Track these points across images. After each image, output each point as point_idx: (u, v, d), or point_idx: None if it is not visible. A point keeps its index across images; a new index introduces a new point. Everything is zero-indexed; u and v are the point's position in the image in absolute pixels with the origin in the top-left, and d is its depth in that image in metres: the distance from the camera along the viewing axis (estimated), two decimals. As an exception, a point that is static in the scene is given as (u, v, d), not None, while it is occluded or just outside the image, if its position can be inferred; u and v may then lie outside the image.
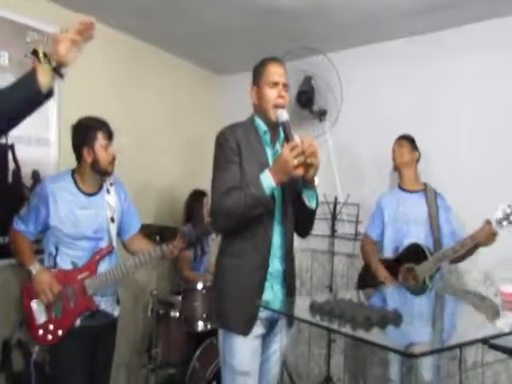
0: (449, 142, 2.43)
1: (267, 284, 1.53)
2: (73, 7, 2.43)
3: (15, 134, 2.22)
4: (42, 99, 1.26)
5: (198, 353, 2.34)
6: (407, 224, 2.17)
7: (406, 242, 2.14)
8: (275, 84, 1.53)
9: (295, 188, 1.55)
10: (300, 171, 1.39)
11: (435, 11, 2.26)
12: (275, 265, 1.55)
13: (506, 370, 2.19)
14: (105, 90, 2.64)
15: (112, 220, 1.93)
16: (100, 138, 1.83)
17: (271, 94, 1.53)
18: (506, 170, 2.24)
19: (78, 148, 1.86)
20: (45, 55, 2.34)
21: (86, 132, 1.83)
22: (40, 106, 1.29)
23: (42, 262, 1.88)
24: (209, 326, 2.31)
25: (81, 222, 1.84)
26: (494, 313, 1.20)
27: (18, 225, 1.87)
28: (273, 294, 1.54)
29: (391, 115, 2.62)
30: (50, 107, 2.38)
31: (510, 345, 1.20)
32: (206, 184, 3.08)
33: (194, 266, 2.84)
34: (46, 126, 2.38)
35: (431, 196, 2.17)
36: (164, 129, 3.04)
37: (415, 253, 2.09)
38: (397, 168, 2.31)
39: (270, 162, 1.52)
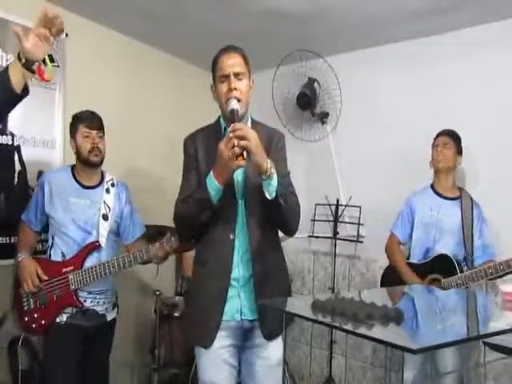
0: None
1: (233, 292, 1.43)
2: (78, 11, 2.46)
3: (21, 136, 2.26)
4: (16, 97, 1.23)
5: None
6: (439, 231, 2.05)
7: (437, 249, 2.05)
8: (225, 77, 1.43)
9: (259, 184, 1.40)
10: (240, 162, 1.28)
11: (436, 14, 2.28)
12: (242, 270, 1.43)
13: (508, 370, 2.19)
14: (109, 92, 2.67)
15: (105, 218, 1.92)
16: (81, 128, 1.88)
17: (222, 88, 1.44)
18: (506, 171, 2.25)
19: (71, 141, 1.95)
20: (50, 58, 2.37)
21: (72, 125, 1.94)
22: (17, 103, 1.26)
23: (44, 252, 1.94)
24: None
25: (72, 209, 1.87)
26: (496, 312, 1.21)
27: (23, 214, 1.95)
28: (240, 302, 1.43)
29: (393, 118, 2.64)
30: (55, 110, 2.41)
31: (505, 344, 1.21)
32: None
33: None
34: (51, 127, 2.41)
35: (467, 204, 2.05)
36: (168, 130, 3.06)
37: (444, 264, 1.99)
38: (436, 171, 2.13)
39: None
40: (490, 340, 1.34)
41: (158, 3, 2.33)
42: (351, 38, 2.64)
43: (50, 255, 1.90)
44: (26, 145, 2.28)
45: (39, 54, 1.19)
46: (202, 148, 1.50)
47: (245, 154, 1.29)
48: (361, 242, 2.61)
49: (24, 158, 2.28)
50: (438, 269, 2.02)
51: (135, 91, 2.84)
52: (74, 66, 2.46)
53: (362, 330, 0.82)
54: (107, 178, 2.00)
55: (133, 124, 2.81)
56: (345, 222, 2.70)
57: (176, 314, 2.46)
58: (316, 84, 2.81)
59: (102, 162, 1.94)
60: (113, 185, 1.99)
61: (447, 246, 2.04)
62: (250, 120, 1.56)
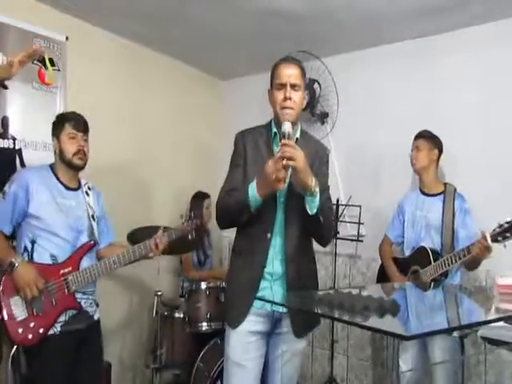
0: (450, 143, 2.45)
1: (266, 284, 1.55)
2: (78, 15, 2.50)
3: (22, 139, 2.28)
4: None
5: (202, 353, 2.36)
6: (425, 228, 2.15)
7: (424, 244, 2.12)
8: (282, 85, 1.53)
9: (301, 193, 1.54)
10: (280, 185, 1.39)
11: (437, 13, 2.29)
12: (276, 267, 1.55)
13: (509, 368, 2.19)
14: (109, 95, 2.69)
15: (93, 218, 1.88)
16: (67, 128, 1.80)
17: (278, 96, 1.54)
18: (507, 171, 2.26)
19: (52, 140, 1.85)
20: (51, 61, 2.41)
21: (55, 123, 1.85)
22: None
23: None
24: (213, 327, 2.34)
25: (62, 209, 1.78)
26: (490, 304, 1.23)
27: None
28: (272, 293, 1.55)
29: (393, 117, 2.65)
30: (56, 113, 2.43)
31: (504, 339, 1.22)
32: (209, 186, 3.14)
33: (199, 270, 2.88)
34: (50, 131, 2.43)
35: (449, 199, 2.13)
36: (168, 133, 3.09)
37: (422, 256, 2.09)
38: (415, 171, 2.27)
39: None
40: (487, 335, 1.35)
41: (157, 5, 2.36)
42: (352, 37, 2.66)
43: (33, 259, 1.73)
44: (27, 148, 2.31)
45: (15, 74, 1.47)
46: (250, 147, 1.60)
47: (288, 175, 1.41)
48: (361, 241, 2.62)
49: (25, 161, 2.30)
50: (417, 261, 2.12)
51: (135, 93, 2.87)
52: (74, 70, 2.49)
53: (358, 321, 0.83)
54: (83, 181, 1.95)
55: (133, 126, 2.84)
56: (345, 222, 2.71)
57: (177, 315, 2.47)
58: (316, 85, 2.83)
59: (85, 165, 1.87)
60: (89, 188, 1.95)
61: (432, 240, 2.13)
62: (299, 130, 1.64)
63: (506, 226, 1.74)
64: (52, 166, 1.85)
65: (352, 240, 2.65)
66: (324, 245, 1.69)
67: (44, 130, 2.39)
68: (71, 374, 1.76)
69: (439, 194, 2.18)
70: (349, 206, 2.69)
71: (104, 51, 2.69)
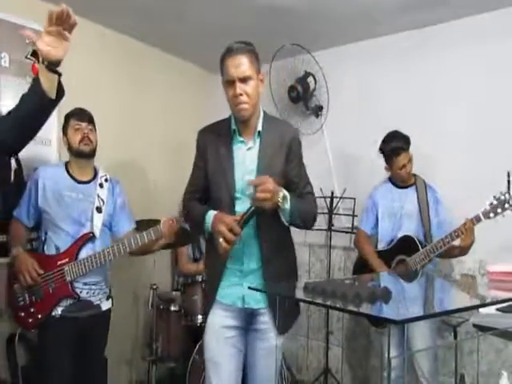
0: (444, 136, 2.47)
1: (236, 281, 1.51)
2: (74, 10, 2.46)
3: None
4: (51, 102, 1.22)
5: (198, 346, 2.37)
6: (401, 218, 2.22)
7: (400, 235, 2.20)
8: (230, 82, 1.45)
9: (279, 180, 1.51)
10: (224, 250, 1.40)
11: (431, 4, 2.29)
12: (245, 263, 1.51)
13: (501, 357, 2.23)
14: (104, 90, 2.68)
15: (99, 210, 1.95)
16: (71, 122, 1.95)
17: (229, 93, 1.47)
18: (501, 163, 2.26)
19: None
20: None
21: (63, 124, 2.00)
22: (53, 108, 1.26)
23: (35, 250, 1.95)
24: (209, 320, 2.36)
25: (66, 202, 1.90)
26: (480, 291, 1.25)
27: (15, 210, 1.96)
28: (242, 290, 1.50)
29: (387, 110, 2.66)
30: (49, 107, 2.43)
31: (496, 326, 1.25)
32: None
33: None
34: (47, 125, 2.33)
35: (421, 190, 2.22)
36: (163, 128, 3.08)
37: (407, 245, 2.15)
38: (401, 180, 2.27)
39: (235, 161, 1.52)
40: (479, 322, 1.38)
41: (153, 1, 2.34)
42: (347, 30, 2.66)
43: (44, 250, 1.91)
44: (21, 143, 2.30)
45: (58, 52, 1.17)
46: (211, 145, 1.56)
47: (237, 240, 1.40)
48: (355, 233, 2.64)
49: (20, 156, 2.29)
50: (402, 251, 2.17)
51: (131, 89, 2.86)
52: (68, 64, 2.46)
53: (351, 308, 0.85)
54: (101, 173, 2.04)
55: (129, 121, 2.83)
56: (339, 214, 2.73)
57: (173, 308, 2.48)
58: (311, 78, 2.83)
59: (93, 152, 1.97)
60: (106, 180, 2.03)
61: (408, 230, 2.19)
62: (261, 115, 1.57)
63: (495, 202, 1.85)
64: (66, 163, 2.00)
65: (347, 232, 2.67)
66: (307, 229, 1.64)
67: (38, 124, 2.40)
68: (76, 361, 1.85)
69: (411, 185, 2.26)
70: (343, 198, 2.71)
71: (98, 46, 2.68)
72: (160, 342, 2.44)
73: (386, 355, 2.12)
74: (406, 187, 2.27)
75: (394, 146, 2.19)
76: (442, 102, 2.49)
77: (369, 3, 2.31)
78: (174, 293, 2.69)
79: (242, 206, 1.48)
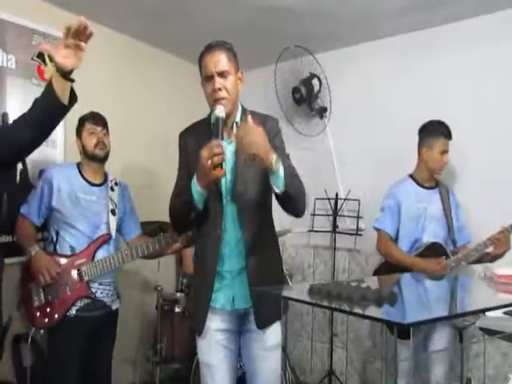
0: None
1: (226, 283, 1.48)
2: (75, 10, 2.49)
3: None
4: (64, 108, 1.25)
5: (202, 347, 2.37)
6: (425, 220, 2.10)
7: (424, 238, 2.09)
8: (209, 77, 1.44)
9: (250, 179, 1.46)
10: (219, 173, 1.30)
11: (432, 6, 2.29)
12: (233, 264, 1.48)
13: (507, 360, 2.21)
14: (107, 91, 2.69)
15: (113, 213, 1.97)
16: (86, 126, 1.97)
17: (208, 88, 1.45)
18: (505, 166, 2.26)
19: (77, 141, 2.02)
20: (50, 58, 2.41)
21: (78, 126, 2.02)
22: (65, 114, 1.29)
23: (43, 250, 1.93)
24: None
25: (81, 203, 1.91)
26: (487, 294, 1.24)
27: (23, 207, 1.96)
28: (232, 292, 1.48)
29: (392, 111, 2.65)
30: (55, 109, 2.44)
31: (502, 329, 1.23)
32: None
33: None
34: (52, 127, 2.43)
35: (444, 193, 2.15)
36: (167, 128, 3.08)
37: (436, 252, 2.04)
38: (435, 170, 2.14)
39: None
40: (486, 325, 1.37)
41: (156, 2, 2.35)
42: (349, 32, 2.66)
43: (56, 249, 1.91)
44: (27, 144, 2.31)
45: (74, 62, 1.21)
46: (192, 144, 1.52)
47: (223, 164, 1.30)
48: (360, 235, 2.63)
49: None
50: (430, 257, 2.05)
51: (132, 89, 2.87)
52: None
53: (357, 310, 0.84)
54: (110, 177, 2.07)
55: (130, 122, 2.83)
56: (344, 216, 2.72)
57: (177, 310, 2.48)
58: (316, 79, 2.83)
59: (107, 156, 2.00)
60: (116, 184, 2.06)
61: (433, 233, 2.10)
62: (240, 111, 1.54)
63: None
64: (78, 164, 2.01)
65: (351, 234, 2.66)
66: (299, 215, 1.52)
67: (43, 125, 2.41)
68: (86, 358, 1.88)
69: (434, 187, 2.19)
70: (348, 200, 2.70)
71: (102, 47, 2.68)
72: (164, 343, 2.44)
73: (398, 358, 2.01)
74: (430, 188, 2.17)
75: (443, 128, 2.09)
76: (445, 103, 2.47)
77: (370, 5, 2.31)
78: (178, 294, 2.69)
79: (228, 200, 1.47)
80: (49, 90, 1.24)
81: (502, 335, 1.28)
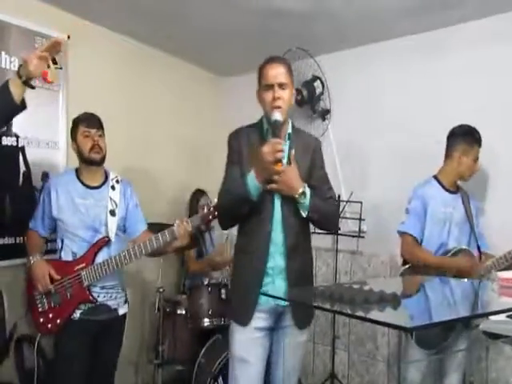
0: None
1: (268, 279, 1.58)
2: (78, 13, 2.50)
3: (25, 137, 2.30)
4: (18, 109, 1.39)
5: (204, 349, 2.37)
6: (451, 225, 2.05)
7: (450, 243, 2.04)
8: (269, 86, 1.58)
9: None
10: (278, 168, 1.44)
11: (438, 7, 2.28)
12: (277, 261, 1.58)
13: (510, 365, 2.20)
14: (110, 93, 2.70)
15: (112, 213, 1.96)
16: (80, 129, 1.93)
17: (267, 97, 1.59)
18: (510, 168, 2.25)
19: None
20: (53, 60, 2.41)
21: (72, 128, 1.99)
22: (17, 114, 1.42)
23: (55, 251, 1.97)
24: (214, 323, 2.35)
25: (80, 209, 1.91)
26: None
27: (30, 222, 1.98)
28: (274, 288, 1.58)
29: (395, 113, 2.64)
30: (58, 111, 2.45)
31: (506, 333, 1.23)
32: (208, 183, 3.15)
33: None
34: (55, 128, 2.45)
35: (466, 198, 2.12)
36: (168, 130, 3.10)
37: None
38: (466, 176, 2.11)
39: None
40: (489, 329, 1.36)
41: (157, 4, 2.36)
42: (352, 34, 2.65)
43: (61, 257, 1.93)
44: (30, 146, 2.32)
45: (38, 72, 1.39)
46: (245, 144, 1.64)
47: (284, 160, 1.44)
48: (362, 237, 2.62)
49: (28, 159, 2.31)
50: None
51: (137, 92, 2.87)
52: (76, 68, 2.50)
53: (360, 313, 0.84)
54: (111, 176, 2.04)
55: (135, 124, 2.84)
56: (346, 218, 2.71)
57: (179, 312, 2.48)
58: (318, 82, 2.83)
59: (103, 159, 1.97)
60: (117, 181, 2.03)
61: (458, 238, 2.06)
62: (290, 125, 1.69)
63: None
64: (77, 169, 2.00)
65: (353, 236, 2.66)
66: (330, 231, 1.80)
67: (47, 127, 2.42)
68: (91, 361, 1.88)
69: (457, 191, 2.13)
70: (350, 202, 2.69)
71: (105, 49, 2.70)
72: (166, 345, 2.44)
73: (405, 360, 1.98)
74: (454, 192, 2.11)
75: (478, 135, 2.06)
76: (447, 105, 2.47)
77: (375, 6, 2.31)
78: (180, 296, 2.69)
79: (278, 202, 1.58)
80: (5, 88, 1.36)
81: (505, 339, 1.27)
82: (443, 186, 2.10)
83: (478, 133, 2.09)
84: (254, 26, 2.56)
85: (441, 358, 2.01)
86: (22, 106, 1.40)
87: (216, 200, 1.86)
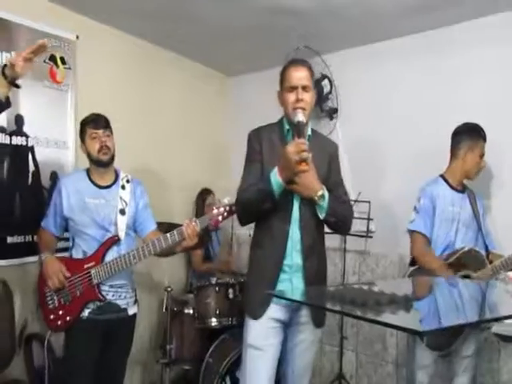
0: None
1: (285, 276, 1.61)
2: (88, 13, 2.51)
3: (35, 137, 2.31)
4: (1, 106, 1.45)
5: (211, 349, 2.37)
6: (458, 224, 2.04)
7: (458, 243, 2.03)
8: (293, 88, 1.61)
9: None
10: (304, 167, 1.45)
11: (443, 6, 2.26)
12: (294, 258, 1.61)
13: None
14: (119, 93, 2.71)
15: (122, 212, 1.97)
16: (88, 131, 1.94)
17: (290, 98, 1.61)
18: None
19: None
20: (62, 60, 2.44)
21: (80, 130, 2.00)
22: (1, 112, 1.49)
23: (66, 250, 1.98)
24: (222, 323, 2.35)
25: (90, 208, 1.92)
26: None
27: (43, 221, 2.00)
28: (291, 286, 1.60)
29: (403, 112, 2.62)
30: (67, 111, 2.46)
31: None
32: (216, 182, 3.14)
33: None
34: (64, 128, 2.46)
35: (472, 197, 2.11)
36: (177, 130, 3.10)
37: (472, 259, 1.98)
38: (472, 173, 2.09)
39: None
40: (500, 331, 1.34)
41: (165, 3, 2.36)
42: (359, 32, 2.63)
43: (72, 255, 1.96)
44: (39, 145, 2.34)
45: (24, 72, 1.43)
46: (266, 143, 1.66)
47: (308, 160, 1.45)
48: (370, 237, 2.60)
49: (37, 158, 2.33)
50: (467, 265, 1.98)
51: (145, 91, 2.88)
52: (84, 68, 2.51)
53: (371, 316, 0.83)
54: (122, 175, 2.05)
55: (143, 123, 2.85)
56: (355, 218, 2.68)
57: (187, 311, 2.49)
58: (326, 80, 2.82)
59: (112, 159, 1.98)
60: (128, 181, 2.04)
61: (465, 238, 2.05)
62: (310, 127, 1.71)
63: None
64: (87, 169, 2.02)
65: (361, 236, 2.63)
66: (343, 234, 1.84)
67: (56, 127, 2.43)
68: (100, 360, 1.90)
69: (463, 190, 2.12)
70: (358, 201, 2.67)
71: (113, 49, 2.71)
72: (174, 345, 2.44)
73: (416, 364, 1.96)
74: (461, 191, 2.10)
75: (482, 131, 2.06)
76: (456, 103, 2.44)
77: (382, 4, 2.28)
78: (187, 295, 2.70)
79: (297, 202, 1.61)
80: None
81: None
82: (450, 185, 2.10)
83: (482, 129, 2.08)
84: (261, 24, 2.55)
85: (450, 359, 2.00)
86: (7, 104, 1.49)
87: (226, 201, 1.89)
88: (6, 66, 1.43)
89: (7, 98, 1.47)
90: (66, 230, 2.03)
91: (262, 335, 1.60)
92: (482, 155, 2.07)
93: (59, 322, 1.89)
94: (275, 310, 1.61)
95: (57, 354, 2.08)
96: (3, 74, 1.42)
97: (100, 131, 1.93)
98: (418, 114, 2.54)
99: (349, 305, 0.93)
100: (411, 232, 2.07)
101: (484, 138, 2.08)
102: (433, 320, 0.90)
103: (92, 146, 1.93)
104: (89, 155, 1.96)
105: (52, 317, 1.90)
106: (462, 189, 2.12)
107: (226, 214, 1.90)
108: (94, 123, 1.94)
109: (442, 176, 2.13)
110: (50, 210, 1.99)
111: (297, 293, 1.58)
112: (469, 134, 2.08)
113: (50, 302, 1.91)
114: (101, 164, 1.95)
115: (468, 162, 2.06)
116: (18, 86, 1.46)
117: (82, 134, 1.98)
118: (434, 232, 2.04)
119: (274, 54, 2.83)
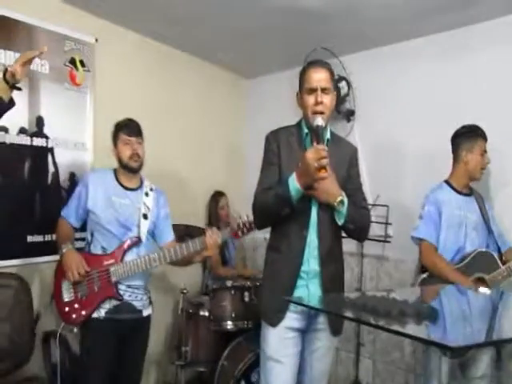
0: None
1: (302, 282, 1.57)
2: (107, 17, 2.54)
3: (55, 138, 2.35)
4: (6, 107, 1.56)
5: (226, 351, 2.36)
6: (467, 228, 2.01)
7: (468, 247, 2.00)
8: (312, 90, 1.57)
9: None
10: (323, 174, 1.41)
11: (461, 6, 2.20)
12: (312, 264, 1.58)
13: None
14: (137, 96, 2.72)
15: (145, 217, 1.99)
16: (121, 136, 1.98)
17: (309, 100, 1.57)
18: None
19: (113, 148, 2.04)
20: (81, 63, 2.47)
21: (113, 133, 2.03)
22: (5, 112, 1.57)
23: (81, 249, 2.00)
24: (238, 326, 2.34)
25: (115, 206, 1.95)
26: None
27: (63, 210, 2.02)
28: (308, 292, 1.57)
29: (421, 114, 2.57)
30: (86, 113, 2.50)
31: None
32: (231, 184, 3.14)
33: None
34: (83, 131, 2.49)
35: (480, 200, 2.08)
36: (194, 132, 3.11)
37: (485, 261, 1.95)
38: (476, 173, 2.07)
39: None
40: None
41: (183, 6, 2.37)
42: (377, 33, 2.59)
43: (90, 250, 1.96)
44: (58, 147, 2.37)
45: (23, 77, 1.55)
46: (284, 146, 1.63)
47: (328, 166, 1.41)
48: (388, 241, 2.55)
49: (56, 159, 2.37)
50: (480, 267, 1.95)
51: (163, 93, 2.89)
52: (103, 71, 2.54)
53: (396, 327, 0.80)
54: (146, 183, 2.09)
55: (161, 125, 2.86)
56: (372, 222, 2.63)
57: (202, 313, 2.48)
58: (344, 82, 2.78)
59: (141, 166, 2.02)
60: (151, 189, 2.08)
61: (475, 242, 2.01)
62: (329, 132, 1.67)
63: None
64: (115, 170, 2.05)
65: (379, 241, 2.59)
66: (359, 241, 1.81)
67: (75, 129, 2.46)
68: (116, 360, 1.91)
69: (470, 194, 2.10)
70: (376, 205, 2.62)
71: (131, 52, 2.73)
72: (189, 347, 2.44)
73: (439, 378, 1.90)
74: (467, 195, 2.08)
75: (479, 130, 2.05)
76: (474, 105, 2.36)
77: (400, 5, 2.24)
78: (202, 297, 2.69)
79: (315, 207, 1.58)
80: None
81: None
82: (455, 189, 2.08)
83: (479, 128, 2.07)
84: (277, 26, 2.54)
85: (465, 367, 1.95)
86: (11, 104, 1.56)
87: (245, 217, 1.91)
88: (6, 71, 1.52)
89: (11, 99, 1.56)
90: (83, 229, 2.04)
91: (280, 347, 1.58)
92: (482, 153, 2.06)
93: (74, 316, 1.89)
94: (292, 319, 1.58)
95: (74, 352, 2.10)
96: (5, 79, 1.51)
97: (133, 138, 1.98)
98: (436, 116, 2.49)
99: (370, 314, 0.90)
100: (417, 240, 2.06)
101: (482, 136, 2.06)
102: (462, 335, 0.85)
103: (124, 152, 1.96)
104: (119, 159, 2.00)
105: (67, 309, 1.90)
106: (468, 192, 2.10)
107: (245, 230, 1.94)
108: (127, 129, 1.98)
109: (446, 181, 2.12)
110: (72, 201, 2.00)
111: (314, 299, 1.55)
112: (465, 136, 2.08)
113: (66, 294, 1.92)
114: (130, 170, 1.99)
115: (470, 163, 2.05)
116: (19, 89, 1.55)
117: (115, 138, 2.01)
118: (443, 238, 2.01)
119: (290, 56, 2.81)
